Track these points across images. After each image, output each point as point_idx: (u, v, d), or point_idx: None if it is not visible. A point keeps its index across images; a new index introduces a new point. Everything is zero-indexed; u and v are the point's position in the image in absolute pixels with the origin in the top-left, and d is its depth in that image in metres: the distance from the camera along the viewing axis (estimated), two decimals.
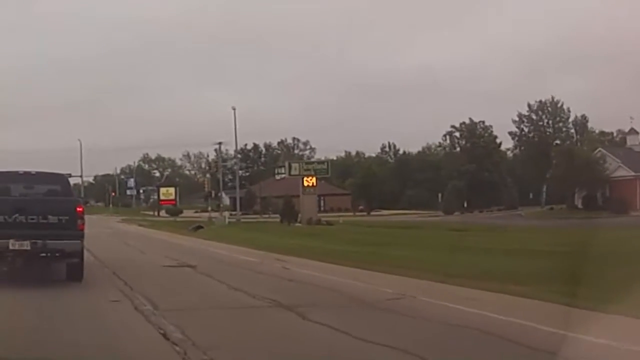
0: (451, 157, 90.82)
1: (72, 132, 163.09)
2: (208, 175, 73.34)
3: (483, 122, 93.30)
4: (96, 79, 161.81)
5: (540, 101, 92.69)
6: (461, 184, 78.83)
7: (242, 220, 57.45)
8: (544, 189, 71.17)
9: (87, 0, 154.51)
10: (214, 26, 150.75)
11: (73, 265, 13.06)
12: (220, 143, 73.44)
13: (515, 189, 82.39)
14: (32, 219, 12.40)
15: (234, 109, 58.70)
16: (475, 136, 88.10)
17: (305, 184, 51.62)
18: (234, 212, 66.93)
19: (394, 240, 27.43)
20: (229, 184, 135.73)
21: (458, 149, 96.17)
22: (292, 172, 54.12)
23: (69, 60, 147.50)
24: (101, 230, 34.84)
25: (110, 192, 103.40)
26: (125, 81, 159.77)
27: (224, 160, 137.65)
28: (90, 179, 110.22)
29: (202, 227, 46.40)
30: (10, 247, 12.20)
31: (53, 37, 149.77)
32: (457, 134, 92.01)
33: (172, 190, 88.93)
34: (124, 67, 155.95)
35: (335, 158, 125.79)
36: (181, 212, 76.51)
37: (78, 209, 12.96)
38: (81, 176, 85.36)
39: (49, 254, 12.53)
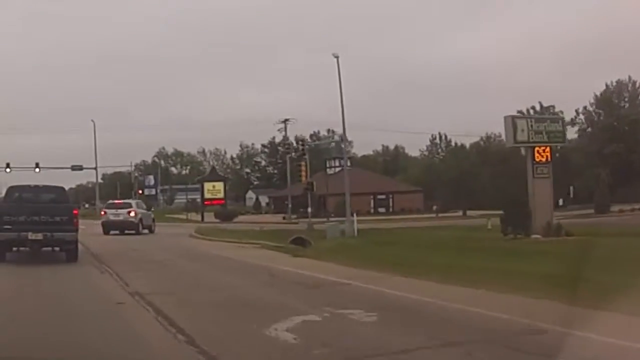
0: (583, 138, 72.52)
1: (75, 131, 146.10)
2: (307, 160, 52.15)
3: (553, 106, 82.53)
4: (100, 79, 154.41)
5: (618, 80, 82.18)
6: (604, 171, 59.25)
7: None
8: None
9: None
10: (236, 25, 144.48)
11: (70, 250, 18.86)
12: (286, 120, 54.24)
13: None
14: (44, 218, 18.33)
15: (337, 57, 38.54)
16: (613, 107, 69.29)
17: (537, 157, 26.92)
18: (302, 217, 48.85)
19: None
20: (256, 182, 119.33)
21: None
22: (519, 138, 27.29)
23: (72, 61, 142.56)
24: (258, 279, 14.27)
25: (137, 190, 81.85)
26: (132, 79, 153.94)
27: (251, 156, 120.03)
28: (99, 178, 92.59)
29: (306, 241, 30.16)
30: (29, 238, 18.06)
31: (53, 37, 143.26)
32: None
33: (220, 185, 67.66)
34: (127, 67, 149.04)
35: (372, 153, 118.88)
36: (236, 215, 56.84)
37: (74, 211, 19.06)
38: (96, 168, 68.08)
39: (54, 242, 18.49)
